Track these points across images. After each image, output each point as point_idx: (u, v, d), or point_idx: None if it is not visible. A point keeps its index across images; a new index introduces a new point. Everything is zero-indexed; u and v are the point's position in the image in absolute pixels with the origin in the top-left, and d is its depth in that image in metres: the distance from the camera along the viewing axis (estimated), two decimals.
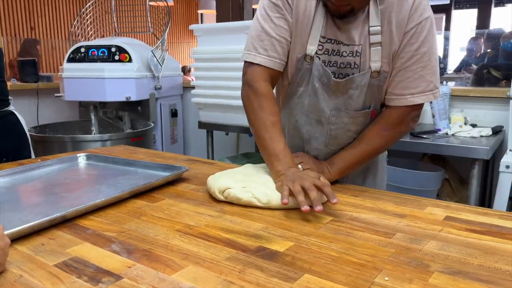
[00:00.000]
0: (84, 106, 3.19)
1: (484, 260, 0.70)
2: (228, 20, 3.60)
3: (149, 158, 1.45)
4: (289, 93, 1.15)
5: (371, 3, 1.02)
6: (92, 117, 2.92)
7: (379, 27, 1.02)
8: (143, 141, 2.74)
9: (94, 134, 2.90)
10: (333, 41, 1.05)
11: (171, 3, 3.35)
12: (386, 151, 1.33)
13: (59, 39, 7.02)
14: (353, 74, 1.07)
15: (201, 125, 2.76)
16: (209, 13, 8.46)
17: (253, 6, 6.36)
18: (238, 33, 2.46)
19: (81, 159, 1.35)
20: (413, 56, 1.03)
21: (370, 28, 1.02)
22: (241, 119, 2.47)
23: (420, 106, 1.09)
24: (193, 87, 2.77)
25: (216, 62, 2.54)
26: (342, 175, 1.14)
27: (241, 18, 5.33)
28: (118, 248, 0.74)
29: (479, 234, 0.82)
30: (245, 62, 1.11)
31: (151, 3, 3.27)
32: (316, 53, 1.06)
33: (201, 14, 9.59)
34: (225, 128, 2.65)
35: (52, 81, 3.48)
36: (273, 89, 1.14)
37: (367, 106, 1.11)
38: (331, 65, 1.07)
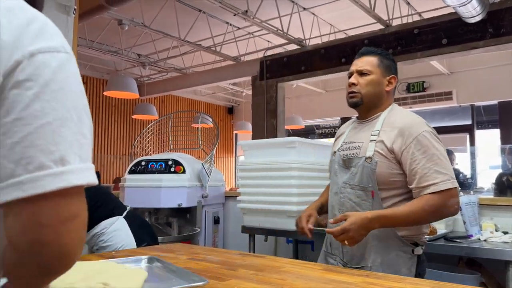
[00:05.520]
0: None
1: None
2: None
3: (206, 252, 1.70)
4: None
5: (381, 115, 1.61)
6: None
7: (377, 131, 1.58)
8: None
9: None
10: (349, 142, 1.67)
11: (211, 125, 3.90)
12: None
13: (107, 155, 7.80)
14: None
15: (244, 229, 2.97)
16: (244, 133, 9.25)
17: (286, 127, 6.90)
18: (279, 148, 2.81)
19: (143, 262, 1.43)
20: (412, 158, 1.49)
21: (372, 132, 1.59)
22: (280, 223, 2.69)
23: (451, 195, 1.45)
24: (235, 196, 3.05)
25: (260, 172, 2.86)
26: (381, 221, 1.44)
27: (274, 137, 5.82)
28: None
29: None
30: None
31: (195, 125, 3.77)
32: (338, 149, 1.70)
33: (236, 134, 10.46)
34: (266, 232, 2.85)
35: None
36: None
37: (364, 183, 1.56)
38: (344, 156, 1.64)
